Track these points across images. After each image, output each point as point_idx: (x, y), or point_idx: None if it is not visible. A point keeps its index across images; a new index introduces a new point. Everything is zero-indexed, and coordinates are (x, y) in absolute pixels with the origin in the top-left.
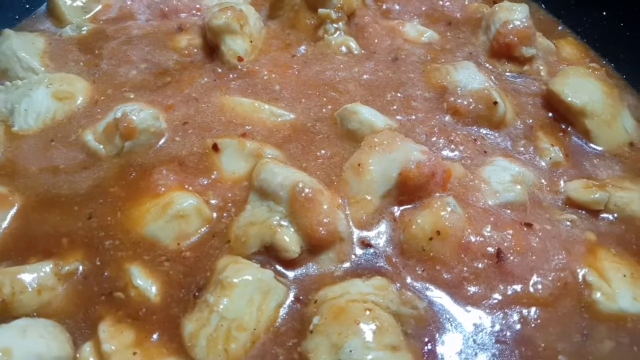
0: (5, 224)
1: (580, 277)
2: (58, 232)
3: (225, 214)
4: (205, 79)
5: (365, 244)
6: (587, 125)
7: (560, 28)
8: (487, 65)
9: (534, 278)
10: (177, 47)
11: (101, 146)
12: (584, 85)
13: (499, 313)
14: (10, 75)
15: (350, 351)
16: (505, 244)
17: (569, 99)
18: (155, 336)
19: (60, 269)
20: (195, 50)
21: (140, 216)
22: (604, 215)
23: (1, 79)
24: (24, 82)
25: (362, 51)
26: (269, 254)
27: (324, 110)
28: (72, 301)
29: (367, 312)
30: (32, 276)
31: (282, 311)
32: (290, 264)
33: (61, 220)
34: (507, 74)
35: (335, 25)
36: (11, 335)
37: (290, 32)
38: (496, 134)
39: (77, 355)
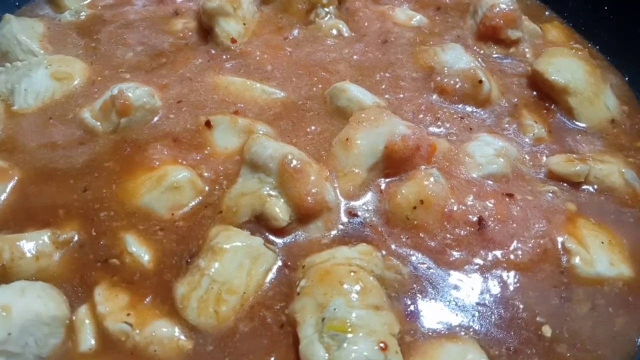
0: (4, 196)
1: (559, 244)
2: (54, 204)
3: (217, 187)
4: (200, 60)
5: (352, 213)
6: (570, 103)
7: (547, 13)
8: (475, 47)
9: (515, 244)
10: (173, 31)
11: (98, 123)
12: (568, 65)
13: (479, 277)
14: (11, 58)
15: (335, 309)
16: (487, 213)
17: (553, 77)
18: (148, 299)
19: (57, 237)
20: (190, 33)
21: (135, 188)
22: (585, 187)
23: (2, 61)
24: (24, 63)
25: (352, 34)
26: (259, 223)
27: (314, 89)
28: (68, 267)
29: (352, 274)
30: (30, 243)
31: (271, 276)
32: (279, 232)
33: (57, 193)
34: (494, 55)
35: (326, 9)
36: (11, 294)
37: (282, 17)
38: (481, 112)
39: (74, 317)
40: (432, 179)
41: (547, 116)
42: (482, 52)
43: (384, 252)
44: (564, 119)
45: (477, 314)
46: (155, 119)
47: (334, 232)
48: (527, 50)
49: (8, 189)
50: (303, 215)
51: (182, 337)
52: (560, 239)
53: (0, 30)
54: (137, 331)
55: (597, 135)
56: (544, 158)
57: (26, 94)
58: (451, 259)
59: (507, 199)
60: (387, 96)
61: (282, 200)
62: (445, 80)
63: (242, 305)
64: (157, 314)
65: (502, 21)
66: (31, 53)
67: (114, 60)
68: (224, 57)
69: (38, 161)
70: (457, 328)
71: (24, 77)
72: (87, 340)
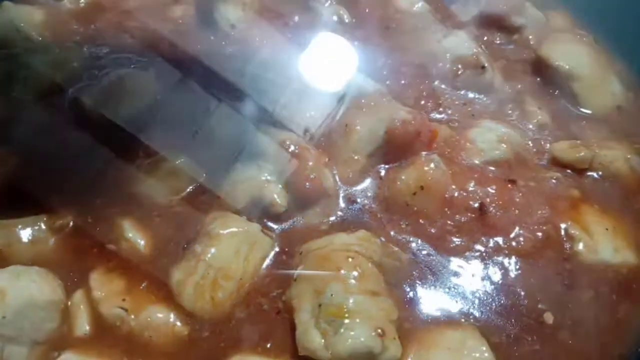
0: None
1: (562, 230)
2: (50, 189)
3: None
4: (199, 47)
5: (351, 200)
6: (574, 89)
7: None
8: (478, 34)
9: (516, 231)
10: (172, 17)
11: (97, 108)
12: (572, 51)
13: (480, 264)
14: (9, 45)
15: (332, 295)
16: (488, 199)
17: (557, 62)
18: (144, 285)
19: (53, 222)
20: (190, 19)
21: (132, 174)
22: (589, 173)
23: (0, 49)
24: (23, 51)
25: (354, 20)
26: (257, 209)
27: None
28: (64, 253)
29: (350, 260)
30: (26, 228)
31: (268, 262)
32: (277, 218)
33: (54, 178)
34: (497, 42)
35: None
36: (5, 278)
37: (283, 3)
38: (484, 98)
39: (69, 302)
40: (432, 165)
41: (551, 102)
42: (485, 38)
43: (383, 239)
44: (568, 105)
45: (477, 301)
46: None
47: (332, 219)
48: (530, 37)
49: (3, 174)
50: (301, 201)
51: (178, 323)
52: (563, 226)
53: None
54: (132, 316)
55: (602, 121)
56: (548, 144)
57: (25, 81)
58: (451, 246)
59: (509, 185)
60: (388, 82)
61: (279, 185)
62: (448, 66)
63: (239, 291)
64: (153, 300)
65: (505, 7)
66: (30, 40)
67: (113, 47)
68: (223, 43)
69: (34, 146)
70: (457, 315)
71: (23, 64)
72: (83, 324)
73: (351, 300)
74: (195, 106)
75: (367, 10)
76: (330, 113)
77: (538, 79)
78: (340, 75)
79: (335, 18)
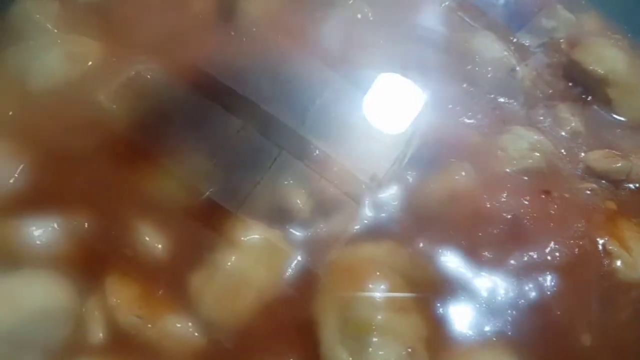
0: (13, 179)
1: (600, 245)
2: (66, 189)
3: None
4: (218, 43)
5: (377, 208)
6: (609, 95)
7: (583, 2)
8: (507, 35)
9: (551, 245)
10: (192, 12)
11: (114, 106)
12: (606, 55)
13: (513, 279)
14: (24, 37)
15: (359, 310)
16: (522, 211)
17: (591, 67)
18: (161, 292)
19: (68, 224)
20: (209, 13)
21: (150, 175)
22: (626, 185)
23: (15, 41)
24: (38, 43)
25: (378, 18)
26: (279, 215)
27: None
28: (78, 256)
29: (377, 273)
30: (39, 230)
31: (290, 272)
32: (300, 225)
33: (69, 178)
34: (527, 44)
35: None
36: (16, 282)
37: None
38: (514, 103)
39: (83, 309)
40: (462, 173)
41: (584, 109)
42: (514, 40)
43: (410, 250)
44: (602, 111)
45: (510, 319)
46: None
47: (357, 227)
48: (562, 40)
49: (17, 173)
50: (325, 208)
51: (196, 334)
52: (600, 241)
53: (14, 9)
54: (149, 325)
55: (638, 129)
56: (582, 153)
57: (39, 75)
58: (482, 259)
59: (542, 196)
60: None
61: (302, 191)
62: (477, 69)
63: (259, 302)
64: (170, 308)
65: (535, 9)
66: (45, 32)
67: (130, 41)
68: (244, 39)
69: (49, 144)
70: (489, 333)
71: (38, 57)
72: (97, 332)
73: (379, 316)
74: (215, 107)
75: (392, 9)
76: (398, 157)
77: (570, 83)
78: (407, 113)
79: (359, 16)
